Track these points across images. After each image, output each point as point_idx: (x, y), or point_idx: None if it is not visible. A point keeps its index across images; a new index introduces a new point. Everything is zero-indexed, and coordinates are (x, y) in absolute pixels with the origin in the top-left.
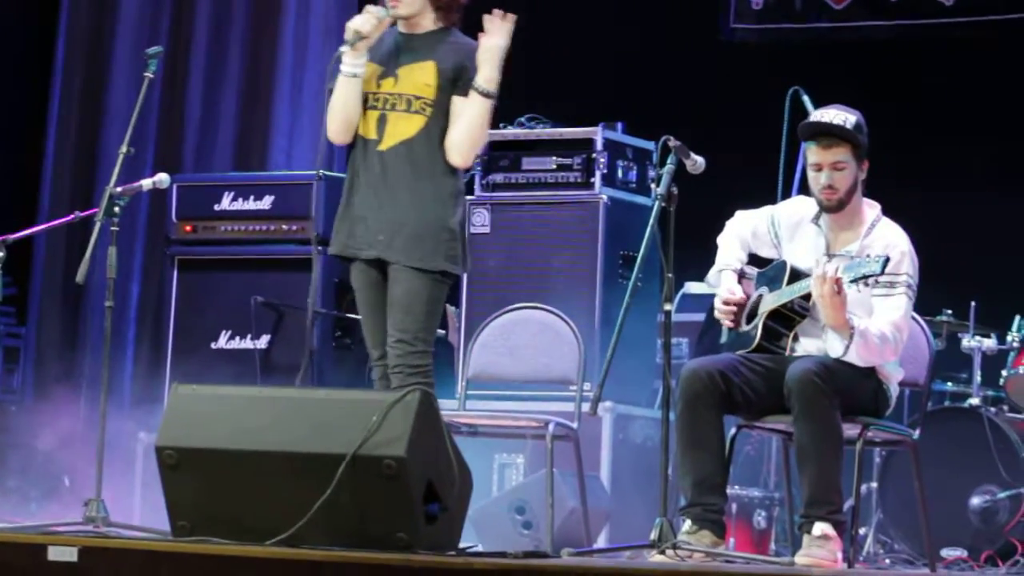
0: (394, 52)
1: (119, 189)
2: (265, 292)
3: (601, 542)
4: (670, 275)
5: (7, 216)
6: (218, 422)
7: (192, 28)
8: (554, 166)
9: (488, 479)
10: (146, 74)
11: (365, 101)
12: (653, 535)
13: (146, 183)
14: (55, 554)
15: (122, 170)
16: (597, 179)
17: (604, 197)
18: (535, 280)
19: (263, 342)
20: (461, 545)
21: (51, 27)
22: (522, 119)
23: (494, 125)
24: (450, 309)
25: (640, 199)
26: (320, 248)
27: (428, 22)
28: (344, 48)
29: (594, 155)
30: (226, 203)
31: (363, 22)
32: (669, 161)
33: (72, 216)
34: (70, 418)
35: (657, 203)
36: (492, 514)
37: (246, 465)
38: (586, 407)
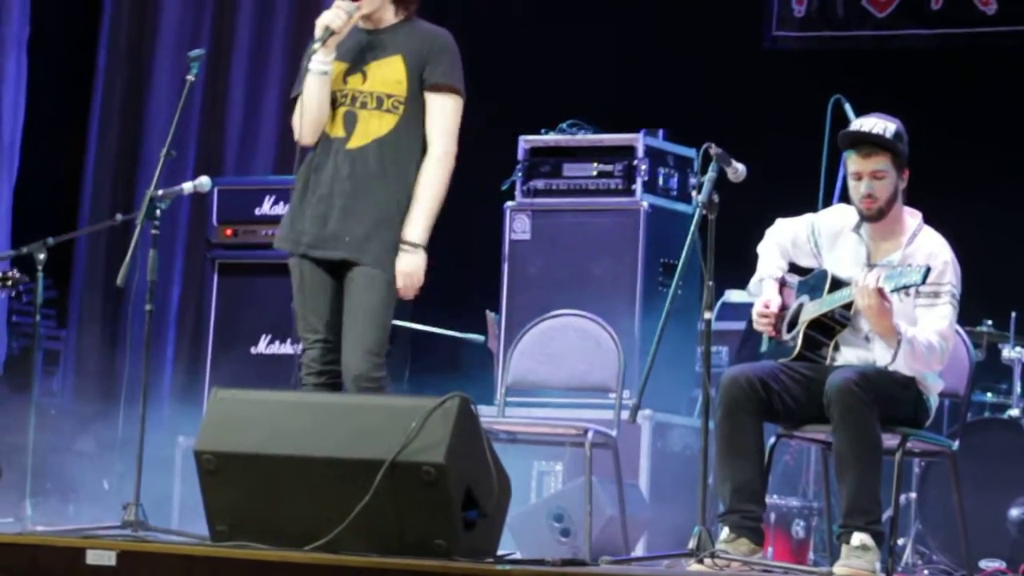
0: (359, 49)
1: (160, 192)
2: None
3: (639, 550)
4: (710, 283)
5: (49, 219)
6: (257, 427)
7: (233, 31)
8: (595, 173)
9: (527, 486)
10: (188, 77)
11: (332, 99)
12: (691, 544)
13: (187, 186)
14: (94, 558)
15: (163, 173)
16: (638, 186)
17: (645, 204)
18: (575, 287)
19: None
20: (499, 552)
21: (93, 29)
22: (563, 125)
23: (535, 130)
24: (490, 316)
25: (681, 206)
26: None
27: (389, 15)
28: (315, 45)
29: (635, 162)
30: (267, 207)
31: (333, 17)
32: (710, 169)
33: (113, 219)
34: (109, 421)
35: (698, 211)
36: (530, 521)
37: (285, 470)
38: (625, 415)
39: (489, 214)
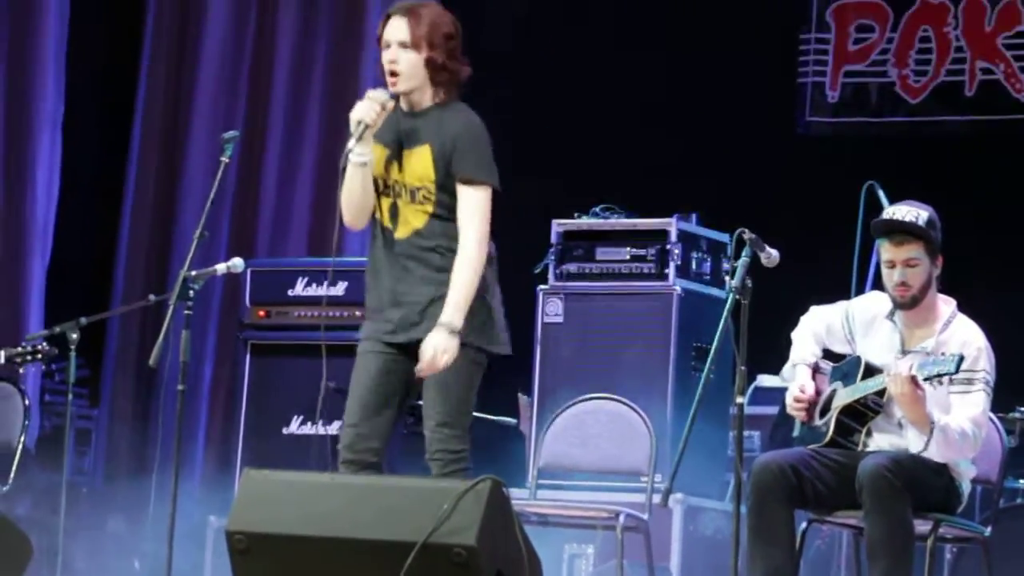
0: (396, 133)
1: (193, 273)
2: (338, 378)
3: None
4: (743, 368)
5: (82, 298)
6: (289, 508)
7: (267, 113)
8: (628, 256)
9: (558, 569)
10: (222, 158)
11: (377, 186)
12: None
13: (220, 267)
14: None
15: (196, 253)
16: (671, 270)
17: (678, 288)
18: (607, 370)
19: (334, 428)
20: None
21: (128, 108)
22: (596, 209)
23: (568, 215)
24: (522, 398)
25: (714, 291)
26: None
27: (427, 98)
28: (351, 143)
29: (668, 246)
30: (300, 288)
31: (366, 111)
32: (744, 254)
33: (146, 299)
34: (140, 501)
35: (731, 295)
36: None
37: (316, 551)
38: (657, 498)
39: (521, 297)
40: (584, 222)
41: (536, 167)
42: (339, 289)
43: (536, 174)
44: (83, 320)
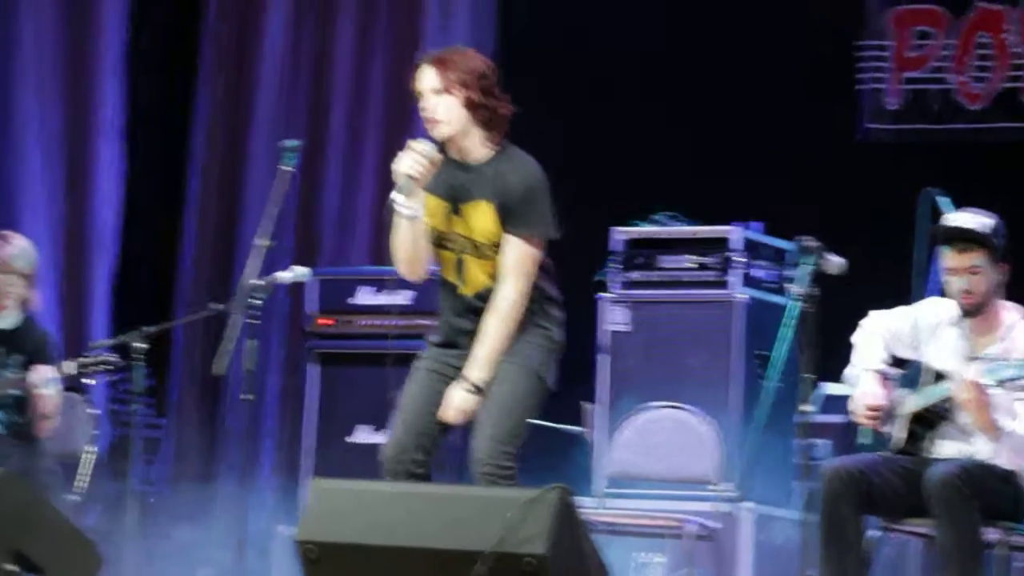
0: (453, 186)
1: (257, 281)
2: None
3: None
4: (808, 375)
5: (146, 307)
6: (358, 517)
7: (329, 121)
8: (691, 264)
9: None
10: (284, 167)
11: (438, 240)
12: None
13: (285, 276)
14: None
15: (260, 262)
16: (734, 278)
17: (741, 296)
18: (672, 379)
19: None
20: None
21: (189, 116)
22: (659, 216)
23: (627, 222)
24: (588, 407)
25: (777, 299)
26: None
27: (477, 144)
28: (397, 196)
29: (731, 254)
30: (363, 297)
31: (411, 165)
32: (807, 261)
33: (210, 308)
34: (207, 510)
35: (795, 303)
36: None
37: (386, 560)
38: (726, 507)
39: (581, 305)
40: (646, 230)
41: (595, 174)
42: (405, 298)
43: (594, 181)
44: (147, 329)
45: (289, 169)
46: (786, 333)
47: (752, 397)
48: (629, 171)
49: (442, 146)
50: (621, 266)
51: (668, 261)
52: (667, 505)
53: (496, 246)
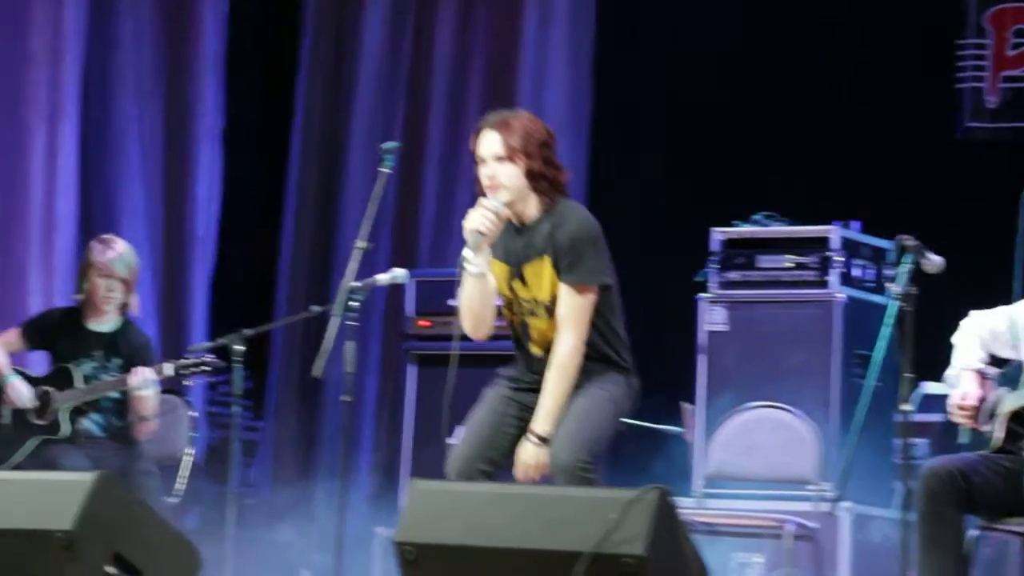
0: (511, 249)
1: (356, 284)
2: None
3: None
4: (908, 375)
5: (245, 310)
6: (456, 518)
7: (427, 123)
8: (790, 264)
9: None
10: (382, 169)
11: (507, 303)
12: None
13: (383, 278)
14: None
15: (358, 264)
16: (833, 278)
17: (840, 296)
18: (771, 378)
19: None
20: None
21: (287, 119)
22: (757, 216)
23: (725, 222)
24: (686, 407)
25: (876, 298)
26: None
27: (533, 207)
28: (467, 252)
29: (830, 254)
30: None
31: (481, 221)
32: (906, 260)
33: (309, 311)
34: (307, 511)
35: (894, 302)
36: None
37: (484, 561)
38: (825, 507)
39: (678, 305)
40: (745, 230)
41: (696, 174)
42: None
43: (695, 181)
44: (247, 332)
45: (387, 171)
46: (885, 332)
47: (851, 397)
48: (729, 171)
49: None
50: (720, 266)
51: (767, 261)
52: (766, 505)
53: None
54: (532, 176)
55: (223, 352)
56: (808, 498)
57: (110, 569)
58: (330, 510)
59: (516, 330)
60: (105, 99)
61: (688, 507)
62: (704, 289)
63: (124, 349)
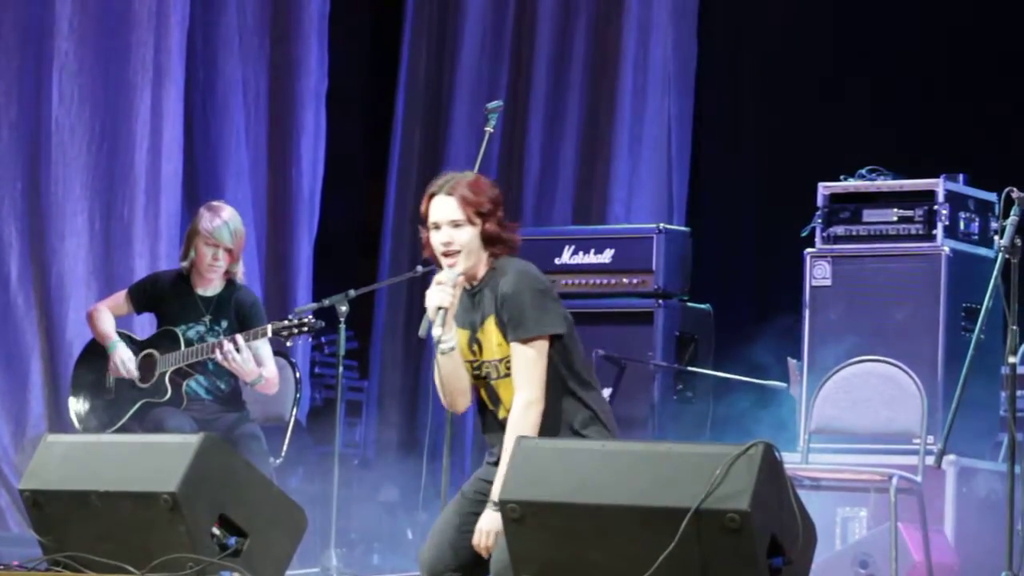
0: (467, 313)
1: (422, 269)
2: (606, 345)
3: None
4: (1014, 327)
5: (350, 271)
6: (560, 476)
7: (530, 82)
8: (895, 218)
9: (831, 532)
10: (486, 128)
11: (474, 369)
12: None
13: None
14: None
15: None
16: (939, 231)
17: (946, 249)
18: (876, 332)
19: (605, 395)
20: None
21: (391, 81)
22: (863, 171)
23: (834, 177)
24: (792, 362)
25: (982, 251)
26: (661, 301)
27: (481, 268)
28: (434, 330)
29: (936, 207)
30: (567, 257)
31: (441, 296)
32: (1012, 212)
33: (414, 271)
34: (412, 471)
35: (1000, 255)
36: (836, 568)
37: (588, 519)
38: (930, 460)
39: (786, 261)
40: (850, 184)
41: (799, 131)
42: (605, 256)
43: (800, 138)
44: (351, 293)
45: (491, 130)
46: (992, 285)
47: (956, 350)
48: (834, 126)
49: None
50: (826, 221)
51: (872, 215)
52: (870, 459)
53: (511, 361)
54: (488, 238)
55: (328, 313)
56: (913, 452)
57: (216, 530)
58: (435, 470)
59: (484, 396)
60: (209, 61)
61: (793, 462)
62: (810, 244)
63: (233, 313)
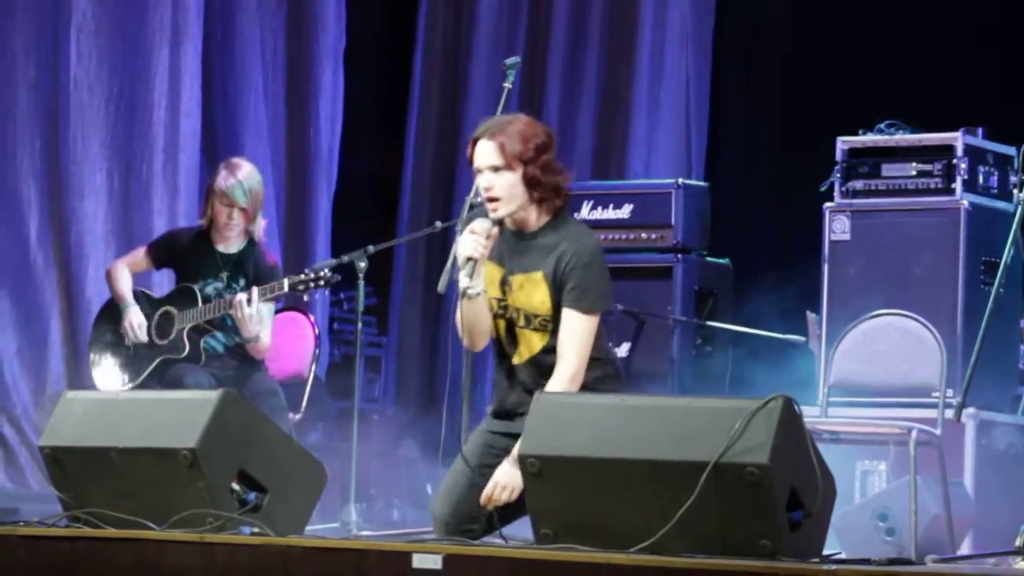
0: (508, 254)
1: (479, 199)
2: (625, 300)
3: (964, 549)
4: None
5: (368, 227)
6: (580, 430)
7: (548, 39)
8: (914, 172)
9: (850, 486)
10: (504, 84)
11: (492, 306)
12: (1018, 542)
13: None
14: (419, 561)
15: None
16: (958, 185)
17: (965, 203)
18: (895, 287)
19: (624, 350)
20: (824, 552)
21: (409, 39)
22: (881, 125)
23: (853, 132)
24: (811, 316)
25: (1001, 204)
26: (680, 256)
27: (533, 217)
28: (462, 279)
29: (955, 161)
30: (585, 212)
31: (472, 247)
32: None
33: (433, 227)
34: (431, 426)
35: (1019, 209)
36: (855, 521)
37: (608, 473)
38: (949, 413)
39: (805, 215)
40: (869, 139)
41: (818, 85)
42: (624, 212)
43: (818, 91)
44: (371, 249)
45: (509, 87)
46: (1011, 239)
47: (976, 304)
48: (853, 80)
49: (500, 222)
50: (844, 175)
51: (891, 169)
52: (889, 413)
53: (547, 319)
54: (530, 183)
55: (347, 269)
56: (932, 405)
57: (235, 486)
58: (454, 426)
59: (501, 335)
60: (227, 19)
61: (812, 415)
62: (829, 198)
63: (250, 270)
